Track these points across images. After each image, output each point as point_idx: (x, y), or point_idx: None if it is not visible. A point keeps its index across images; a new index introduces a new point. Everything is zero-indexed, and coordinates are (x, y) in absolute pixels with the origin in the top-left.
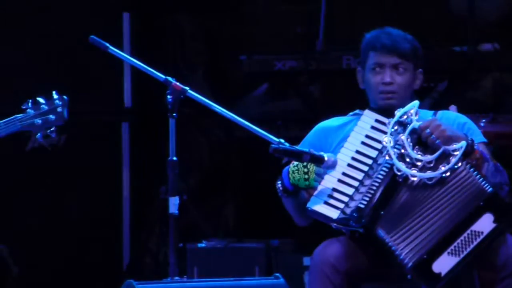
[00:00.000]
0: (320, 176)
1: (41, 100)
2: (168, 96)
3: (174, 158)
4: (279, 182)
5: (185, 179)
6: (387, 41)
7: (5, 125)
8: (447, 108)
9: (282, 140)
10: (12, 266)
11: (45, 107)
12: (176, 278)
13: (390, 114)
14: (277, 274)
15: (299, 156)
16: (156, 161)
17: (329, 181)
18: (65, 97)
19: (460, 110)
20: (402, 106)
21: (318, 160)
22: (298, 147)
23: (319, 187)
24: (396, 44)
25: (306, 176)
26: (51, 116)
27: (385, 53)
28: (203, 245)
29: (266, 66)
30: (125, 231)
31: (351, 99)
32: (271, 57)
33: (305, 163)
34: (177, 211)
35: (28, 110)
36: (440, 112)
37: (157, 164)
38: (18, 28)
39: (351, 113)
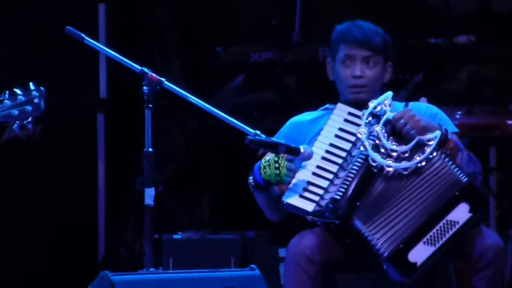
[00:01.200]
0: (291, 171)
1: (17, 91)
2: (144, 87)
3: (150, 149)
4: (250, 177)
5: (161, 170)
6: (358, 34)
7: None
8: (418, 100)
9: (258, 132)
10: None
11: (22, 98)
12: (152, 269)
13: (359, 108)
14: (253, 266)
15: (274, 147)
16: (131, 153)
17: (304, 174)
18: (42, 88)
19: (435, 102)
20: (372, 99)
21: (293, 152)
22: (273, 139)
23: (293, 181)
24: (367, 37)
25: (277, 172)
26: (28, 107)
27: (356, 46)
28: (179, 236)
29: (242, 58)
30: (101, 223)
31: (327, 91)
32: (247, 48)
33: (276, 159)
34: (152, 202)
35: (5, 101)
36: (411, 104)
37: (133, 156)
38: None
39: (321, 108)
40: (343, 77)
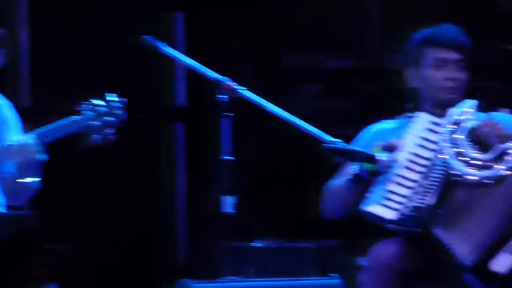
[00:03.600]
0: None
1: (98, 101)
2: (220, 95)
3: (227, 157)
4: (356, 166)
5: (238, 178)
6: (450, 37)
7: (63, 127)
8: (497, 110)
9: (335, 139)
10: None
11: (104, 109)
12: (230, 277)
13: (446, 109)
14: (333, 274)
15: (352, 155)
16: (209, 160)
17: (384, 182)
18: (122, 98)
19: None
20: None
21: (371, 160)
22: (351, 146)
23: (373, 189)
24: (459, 40)
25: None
26: (109, 118)
27: (448, 48)
28: (257, 244)
29: (318, 64)
30: (180, 230)
31: (402, 100)
32: (323, 55)
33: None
34: (230, 210)
35: (86, 112)
36: (494, 114)
37: (211, 163)
38: (72, 28)
39: (401, 116)
40: (436, 81)
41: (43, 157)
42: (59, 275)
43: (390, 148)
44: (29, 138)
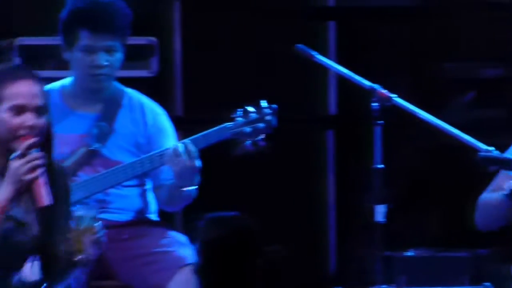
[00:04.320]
0: None
1: (250, 108)
2: (374, 104)
3: (380, 166)
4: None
5: (390, 187)
6: None
7: (215, 133)
8: None
9: (491, 148)
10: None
11: (255, 116)
12: (383, 286)
13: None
14: (486, 284)
15: (507, 164)
16: (361, 169)
17: None
18: (273, 105)
19: None
20: None
21: None
22: (506, 155)
23: None
24: None
25: None
26: (260, 124)
27: None
28: (409, 253)
29: (472, 73)
30: (331, 238)
31: None
32: (476, 64)
33: None
34: (382, 219)
35: (238, 118)
36: None
37: (362, 172)
38: (226, 37)
39: None
40: None
41: (198, 163)
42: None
43: None
44: (183, 146)
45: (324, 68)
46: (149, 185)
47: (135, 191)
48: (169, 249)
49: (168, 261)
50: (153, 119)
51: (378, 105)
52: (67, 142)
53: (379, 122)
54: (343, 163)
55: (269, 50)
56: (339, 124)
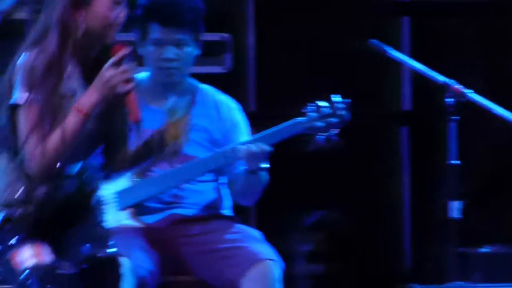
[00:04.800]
0: None
1: (322, 103)
2: (448, 99)
3: (455, 162)
4: None
5: (465, 183)
6: None
7: (288, 128)
8: None
9: None
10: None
11: (327, 110)
12: (458, 282)
13: None
14: None
15: None
16: (435, 165)
17: None
18: (346, 99)
19: None
20: None
21: None
22: None
23: None
24: None
25: None
26: (333, 119)
27: None
28: (486, 250)
29: None
30: (406, 235)
31: None
32: None
33: None
34: (457, 215)
35: (310, 113)
36: None
37: (437, 168)
38: (298, 32)
39: None
40: None
41: (268, 160)
42: None
43: None
44: (256, 140)
45: (398, 64)
46: (223, 180)
47: (209, 186)
48: (243, 244)
49: (242, 256)
50: (228, 114)
51: (453, 101)
52: (141, 137)
53: (453, 118)
54: (418, 160)
55: (342, 46)
56: (413, 120)
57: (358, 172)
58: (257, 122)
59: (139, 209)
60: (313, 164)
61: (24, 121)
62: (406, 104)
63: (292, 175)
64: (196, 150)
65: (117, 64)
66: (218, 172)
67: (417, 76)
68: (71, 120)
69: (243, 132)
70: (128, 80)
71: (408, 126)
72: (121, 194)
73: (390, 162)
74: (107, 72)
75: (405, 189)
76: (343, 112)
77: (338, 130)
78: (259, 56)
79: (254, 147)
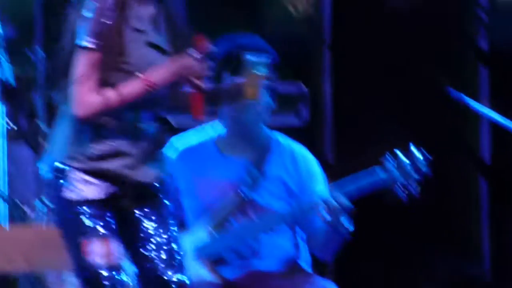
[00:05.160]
0: None
1: (402, 157)
2: None
3: None
4: None
5: None
6: None
7: (366, 183)
8: None
9: None
10: None
11: (407, 166)
12: None
13: None
14: None
15: None
16: None
17: None
18: (425, 153)
19: None
20: None
21: None
22: None
23: None
24: None
25: None
26: (410, 170)
27: None
28: None
29: None
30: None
31: None
32: None
33: None
34: None
35: (388, 163)
36: None
37: None
38: (374, 78)
39: None
40: None
41: (349, 209)
42: None
43: None
44: (333, 198)
45: (477, 114)
46: (301, 234)
47: (286, 238)
48: None
49: None
50: (305, 165)
51: None
52: (219, 188)
53: None
54: (497, 212)
55: (421, 92)
56: (493, 174)
57: (437, 226)
58: (333, 173)
59: (216, 262)
60: (391, 215)
61: (83, 64)
62: (485, 156)
63: (371, 227)
64: (271, 201)
65: (201, 57)
66: (295, 224)
67: (495, 127)
68: (134, 86)
69: (320, 184)
70: (202, 76)
71: (488, 180)
72: (199, 247)
73: (469, 214)
74: (188, 60)
75: (484, 241)
76: (420, 163)
77: (416, 180)
78: (336, 106)
79: (333, 202)
